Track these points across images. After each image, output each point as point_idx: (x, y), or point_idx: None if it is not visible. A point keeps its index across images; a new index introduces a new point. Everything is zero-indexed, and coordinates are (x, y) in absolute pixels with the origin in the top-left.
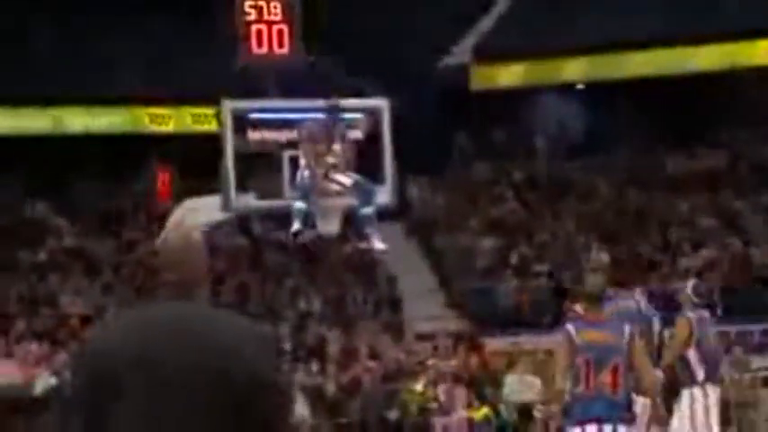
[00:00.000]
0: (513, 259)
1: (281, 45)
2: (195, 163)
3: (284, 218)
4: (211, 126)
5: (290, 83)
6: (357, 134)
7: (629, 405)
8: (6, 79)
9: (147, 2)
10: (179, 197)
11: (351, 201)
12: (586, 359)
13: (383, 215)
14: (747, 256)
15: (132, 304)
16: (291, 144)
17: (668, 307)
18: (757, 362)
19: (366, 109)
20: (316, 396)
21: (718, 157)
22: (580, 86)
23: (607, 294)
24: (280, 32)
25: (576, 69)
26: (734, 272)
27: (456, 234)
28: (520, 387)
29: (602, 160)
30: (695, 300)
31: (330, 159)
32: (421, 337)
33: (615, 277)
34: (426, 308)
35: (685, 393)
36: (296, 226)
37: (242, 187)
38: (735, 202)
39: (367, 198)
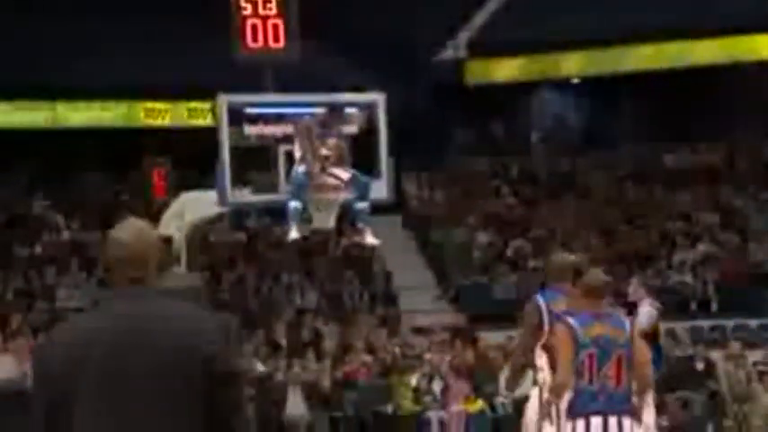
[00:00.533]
0: (510, 254)
1: (276, 39)
2: (191, 157)
3: (280, 212)
4: (207, 120)
5: (286, 77)
6: (353, 128)
7: (631, 397)
8: (4, 74)
9: None
10: (175, 191)
11: (346, 195)
12: (590, 353)
13: (379, 209)
14: (745, 252)
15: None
16: (287, 138)
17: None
18: (753, 356)
19: (362, 103)
20: (311, 390)
21: (717, 152)
22: (576, 81)
23: (565, 288)
24: (275, 27)
25: (572, 64)
26: (731, 267)
27: (452, 228)
28: None
29: (600, 155)
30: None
31: (326, 153)
32: (417, 332)
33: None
34: (422, 302)
35: None
36: (293, 233)
37: (238, 181)
38: (733, 198)
39: (362, 192)
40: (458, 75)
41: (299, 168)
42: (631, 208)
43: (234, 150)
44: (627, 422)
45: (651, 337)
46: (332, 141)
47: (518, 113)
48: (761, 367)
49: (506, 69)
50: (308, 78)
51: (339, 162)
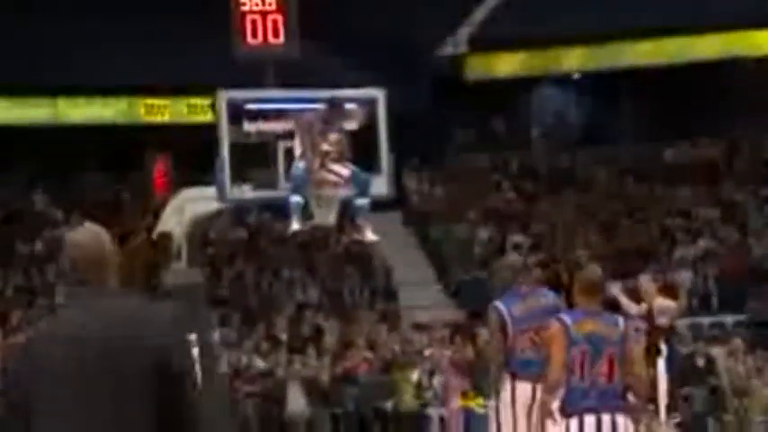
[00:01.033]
0: (510, 249)
1: (276, 35)
2: (191, 154)
3: (281, 209)
4: (207, 117)
5: (286, 74)
6: (353, 124)
7: (624, 394)
8: (4, 71)
9: None
10: (175, 188)
11: (347, 191)
12: (582, 350)
13: (380, 205)
14: (745, 247)
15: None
16: (287, 135)
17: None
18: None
19: (362, 99)
20: (312, 386)
21: (718, 147)
22: (577, 76)
23: (522, 290)
24: (275, 22)
25: (573, 59)
26: (731, 263)
27: (453, 224)
28: None
29: (600, 150)
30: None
31: (327, 149)
32: (417, 328)
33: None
34: (423, 298)
35: None
36: (294, 225)
37: (238, 178)
38: (734, 193)
39: (363, 189)
40: (458, 70)
41: (300, 164)
42: (631, 203)
43: (234, 147)
44: (620, 419)
45: (668, 332)
46: (333, 137)
47: (518, 109)
48: (760, 363)
49: (507, 65)
50: (308, 74)
51: (340, 158)
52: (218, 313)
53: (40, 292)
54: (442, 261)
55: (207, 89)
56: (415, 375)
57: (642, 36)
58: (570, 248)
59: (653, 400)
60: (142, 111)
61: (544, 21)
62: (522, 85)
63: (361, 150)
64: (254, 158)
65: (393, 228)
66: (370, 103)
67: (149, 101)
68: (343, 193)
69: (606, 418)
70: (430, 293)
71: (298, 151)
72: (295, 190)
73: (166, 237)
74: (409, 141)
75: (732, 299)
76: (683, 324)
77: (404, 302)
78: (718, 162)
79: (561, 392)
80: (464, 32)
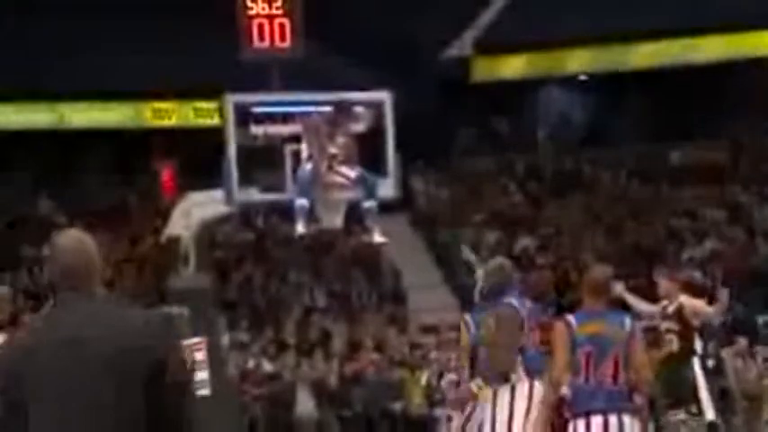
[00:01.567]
0: (517, 251)
1: (282, 39)
2: (198, 157)
3: (288, 212)
4: (214, 120)
5: (293, 77)
6: (360, 127)
7: (630, 395)
8: (9, 75)
9: None
10: (182, 191)
11: (354, 194)
12: (587, 351)
13: (387, 208)
14: (752, 248)
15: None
16: (294, 138)
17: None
18: (762, 353)
19: (368, 102)
20: (320, 389)
21: (723, 148)
22: (583, 78)
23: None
24: (281, 26)
25: (578, 61)
26: (738, 263)
27: (460, 227)
28: None
29: (606, 152)
30: None
31: (334, 152)
32: (425, 330)
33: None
34: (430, 300)
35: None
36: (300, 228)
37: (245, 181)
38: (739, 194)
39: (370, 191)
40: (464, 73)
41: (306, 167)
42: (637, 204)
43: (240, 150)
44: (627, 420)
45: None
46: (340, 140)
47: (524, 111)
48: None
49: (512, 67)
50: (315, 77)
51: (347, 161)
52: (226, 316)
53: (46, 295)
54: (449, 263)
55: (214, 93)
56: (423, 377)
57: (646, 38)
58: (577, 250)
59: (695, 400)
60: (149, 115)
61: (549, 23)
62: (527, 87)
63: (368, 153)
64: (261, 161)
65: (400, 230)
66: (376, 106)
67: (156, 105)
68: (351, 195)
69: (613, 419)
70: (437, 296)
71: (305, 154)
72: (301, 193)
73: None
74: (415, 143)
75: (740, 299)
76: None
77: (411, 305)
78: (723, 163)
79: (567, 393)
80: (470, 35)
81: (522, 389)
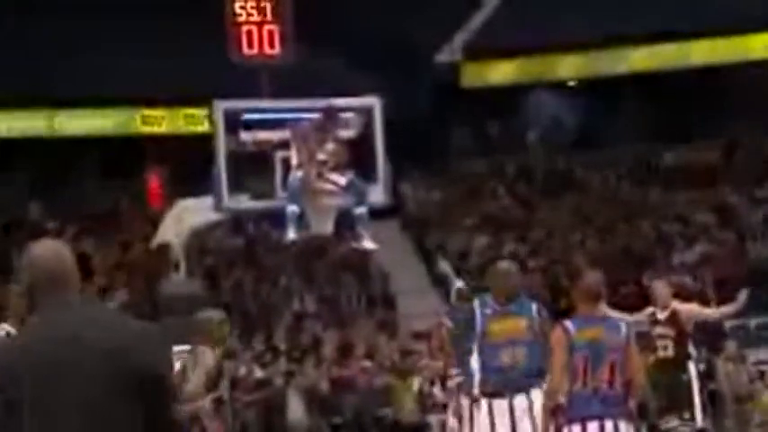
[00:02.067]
0: (507, 255)
1: (271, 45)
2: (188, 164)
3: (278, 218)
4: (204, 127)
5: (283, 83)
6: (349, 133)
7: (626, 400)
8: (1, 81)
9: (139, 4)
10: (172, 198)
11: (344, 200)
12: (584, 357)
13: (377, 213)
14: (743, 251)
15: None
16: (284, 144)
17: None
18: (753, 356)
19: (358, 108)
20: (311, 396)
21: (714, 151)
22: (572, 83)
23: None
24: (270, 33)
25: (568, 66)
26: (729, 266)
27: (450, 231)
28: None
29: (596, 155)
30: None
31: (323, 159)
32: (416, 335)
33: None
34: (421, 306)
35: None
36: (291, 234)
37: (235, 188)
38: (731, 197)
39: (360, 197)
40: (455, 77)
41: (296, 174)
42: (628, 207)
43: (231, 156)
44: (623, 426)
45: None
46: (330, 147)
47: (515, 116)
48: (762, 367)
49: (503, 72)
50: (306, 83)
51: (337, 167)
52: None
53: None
54: (439, 268)
55: (204, 99)
56: (415, 383)
57: (638, 42)
58: (568, 253)
59: (689, 405)
60: (139, 122)
61: (540, 28)
62: (518, 91)
63: (358, 159)
64: (251, 168)
65: (390, 235)
66: (366, 112)
67: (146, 112)
68: (341, 202)
69: (609, 424)
70: (428, 301)
71: (295, 161)
72: (291, 199)
73: (165, 247)
74: (406, 147)
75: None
76: None
77: (401, 310)
78: (716, 166)
79: (563, 399)
80: (460, 39)
81: (521, 403)
